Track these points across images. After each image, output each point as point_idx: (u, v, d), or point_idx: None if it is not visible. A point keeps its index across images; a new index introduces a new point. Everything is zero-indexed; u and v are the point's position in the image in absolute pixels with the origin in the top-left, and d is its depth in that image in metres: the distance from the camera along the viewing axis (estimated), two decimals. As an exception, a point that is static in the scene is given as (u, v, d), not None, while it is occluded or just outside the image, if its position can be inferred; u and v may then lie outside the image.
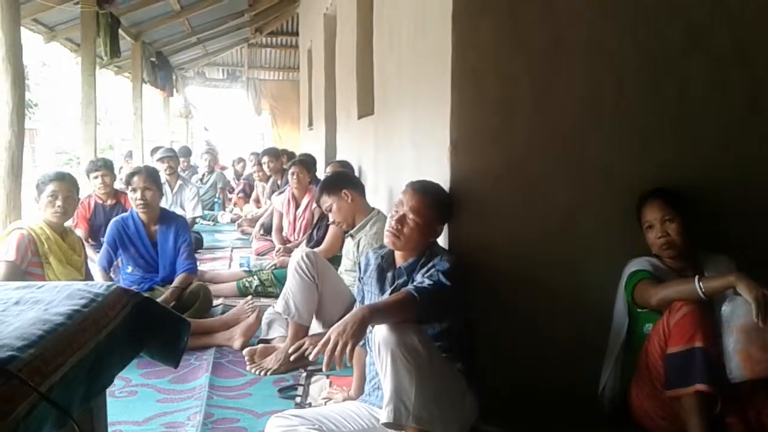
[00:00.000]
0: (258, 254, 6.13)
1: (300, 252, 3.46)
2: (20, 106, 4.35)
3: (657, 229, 2.51)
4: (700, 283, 2.25)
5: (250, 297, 4.37)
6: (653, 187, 2.58)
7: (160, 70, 11.87)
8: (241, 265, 5.44)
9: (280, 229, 5.98)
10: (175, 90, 14.54)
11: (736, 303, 2.22)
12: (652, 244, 2.54)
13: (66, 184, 3.51)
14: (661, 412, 2.36)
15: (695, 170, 2.68)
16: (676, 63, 2.65)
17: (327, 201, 3.70)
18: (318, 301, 3.37)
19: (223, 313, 4.12)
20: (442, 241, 2.61)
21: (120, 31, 8.05)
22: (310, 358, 2.13)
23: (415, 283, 2.27)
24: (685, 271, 2.50)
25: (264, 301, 4.38)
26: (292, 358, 3.18)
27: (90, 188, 5.41)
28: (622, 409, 2.53)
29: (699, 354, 2.19)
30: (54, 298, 1.58)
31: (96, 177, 5.29)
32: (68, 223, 3.72)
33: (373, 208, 3.78)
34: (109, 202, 5.33)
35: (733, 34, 2.66)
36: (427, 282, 2.24)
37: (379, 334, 2.04)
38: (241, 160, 12.03)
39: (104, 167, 5.36)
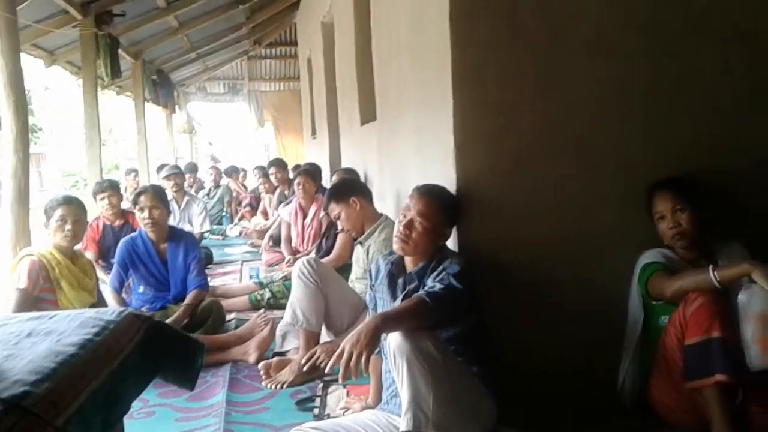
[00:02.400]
0: (268, 266, 6.14)
1: (301, 260, 3.46)
2: (24, 133, 4.38)
3: (668, 220, 2.49)
4: (715, 273, 2.22)
5: (262, 310, 4.36)
6: (663, 178, 2.55)
7: (162, 87, 11.92)
8: (250, 277, 5.44)
9: (289, 240, 5.99)
10: (177, 107, 14.61)
11: (752, 291, 2.18)
12: (664, 234, 2.51)
13: (74, 207, 3.52)
14: (683, 404, 2.33)
15: (706, 159, 2.63)
16: (679, 48, 2.62)
17: (335, 209, 3.69)
18: (325, 308, 3.36)
19: (236, 327, 4.10)
20: (451, 243, 2.59)
21: (120, 50, 8.09)
22: (326, 370, 2.11)
23: (426, 288, 2.25)
24: (698, 261, 2.47)
25: (277, 313, 4.35)
26: (305, 369, 3.17)
27: (97, 210, 5.43)
28: (642, 403, 2.50)
29: (717, 344, 2.16)
30: (66, 328, 1.58)
31: (103, 198, 5.33)
32: (77, 247, 3.72)
33: (381, 214, 3.77)
34: (117, 222, 5.37)
35: (732, 17, 2.63)
36: (438, 286, 2.22)
37: (394, 341, 2.03)
38: (242, 169, 12.17)
39: (110, 188, 5.40)
